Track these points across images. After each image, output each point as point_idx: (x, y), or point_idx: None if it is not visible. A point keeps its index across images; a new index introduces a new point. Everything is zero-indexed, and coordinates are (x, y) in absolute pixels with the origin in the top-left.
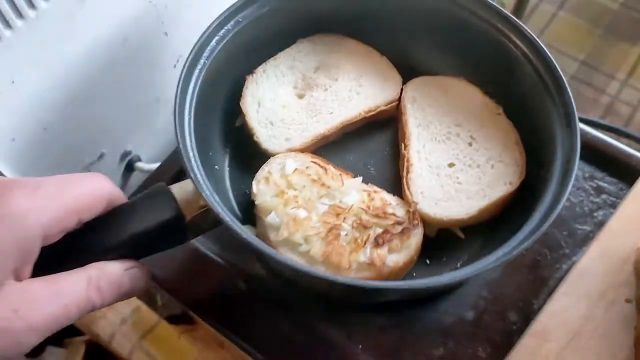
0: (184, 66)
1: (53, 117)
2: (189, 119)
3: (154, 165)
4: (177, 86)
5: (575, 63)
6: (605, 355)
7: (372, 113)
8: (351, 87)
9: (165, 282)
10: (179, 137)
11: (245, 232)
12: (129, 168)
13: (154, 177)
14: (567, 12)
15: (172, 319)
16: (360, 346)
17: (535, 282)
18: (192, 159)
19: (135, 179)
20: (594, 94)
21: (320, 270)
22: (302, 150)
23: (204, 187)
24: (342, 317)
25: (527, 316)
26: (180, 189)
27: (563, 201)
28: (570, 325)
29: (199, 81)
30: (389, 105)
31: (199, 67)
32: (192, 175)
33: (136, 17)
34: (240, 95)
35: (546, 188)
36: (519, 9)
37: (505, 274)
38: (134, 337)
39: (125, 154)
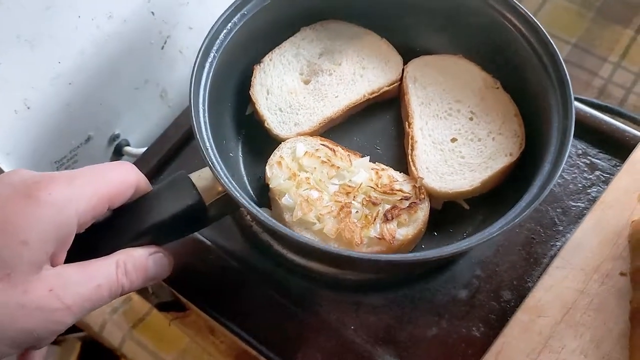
0: (195, 61)
1: (37, 97)
2: (204, 111)
3: (142, 150)
4: (191, 81)
5: (567, 46)
6: (600, 330)
7: (376, 94)
8: (354, 71)
9: None
10: (195, 129)
11: (263, 213)
12: (117, 152)
13: (141, 161)
14: None
15: (163, 307)
16: (352, 327)
17: (529, 260)
18: (210, 149)
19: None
20: (587, 76)
21: (334, 247)
22: (311, 133)
23: (221, 174)
24: (334, 299)
25: (521, 295)
26: (199, 177)
27: (559, 173)
28: (565, 299)
29: (210, 75)
30: (392, 86)
31: (209, 60)
32: (210, 163)
33: None
34: (250, 85)
35: (544, 158)
36: None
37: (499, 253)
38: (125, 326)
39: (113, 137)
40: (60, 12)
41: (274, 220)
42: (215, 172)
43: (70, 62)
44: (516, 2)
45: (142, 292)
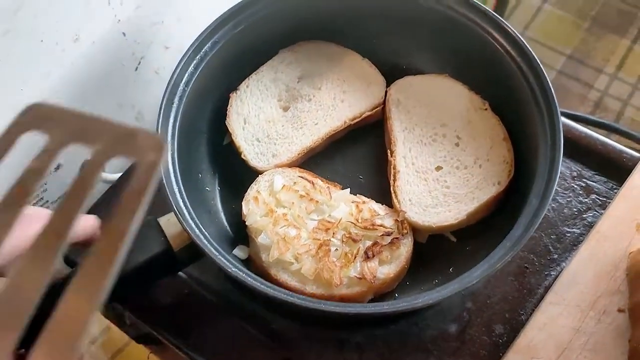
0: (162, 98)
1: None
2: (172, 150)
3: (117, 175)
4: (158, 118)
5: (561, 57)
6: None
7: (358, 120)
8: (335, 95)
9: (129, 301)
10: (162, 173)
11: (227, 264)
12: None
13: (117, 187)
14: (552, 5)
15: (141, 339)
16: None
17: (522, 291)
18: (177, 194)
19: (99, 188)
20: (582, 89)
21: (312, 288)
22: (290, 164)
23: (189, 221)
24: (316, 336)
25: (514, 328)
26: (168, 222)
27: (545, 210)
28: (559, 339)
29: (180, 109)
30: (374, 110)
31: (178, 95)
32: (176, 211)
33: (88, 14)
34: (226, 114)
35: (531, 190)
36: (501, 3)
37: (490, 284)
38: (104, 357)
39: (86, 164)
40: (20, 37)
41: (240, 272)
42: (181, 221)
43: (33, 88)
44: (501, 18)
45: (120, 324)
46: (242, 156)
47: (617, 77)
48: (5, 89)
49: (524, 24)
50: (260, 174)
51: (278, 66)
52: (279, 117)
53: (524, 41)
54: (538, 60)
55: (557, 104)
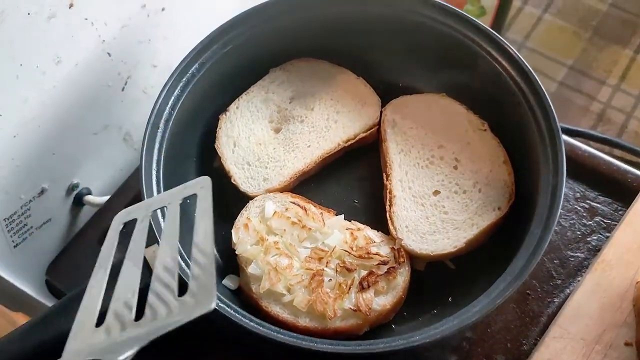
0: (147, 123)
1: None
2: (157, 177)
3: (105, 198)
4: (142, 145)
5: (563, 68)
6: None
7: (352, 142)
8: (328, 116)
9: None
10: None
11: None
12: (78, 202)
13: (105, 210)
14: (553, 14)
15: None
16: None
17: (525, 319)
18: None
19: (87, 212)
20: (585, 101)
21: (305, 321)
22: (282, 189)
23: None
24: None
25: (517, 359)
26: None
27: (547, 241)
28: None
29: (167, 133)
30: (369, 132)
31: (164, 119)
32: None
33: (71, 35)
34: (215, 136)
35: (533, 219)
36: (500, 14)
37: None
38: None
39: (72, 187)
40: None
41: (227, 308)
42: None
43: (12, 113)
44: (503, 40)
45: None
46: (232, 181)
47: (620, 88)
48: None
49: (525, 34)
50: (251, 199)
51: (269, 86)
52: (270, 140)
53: (522, 59)
54: (538, 81)
55: (559, 127)
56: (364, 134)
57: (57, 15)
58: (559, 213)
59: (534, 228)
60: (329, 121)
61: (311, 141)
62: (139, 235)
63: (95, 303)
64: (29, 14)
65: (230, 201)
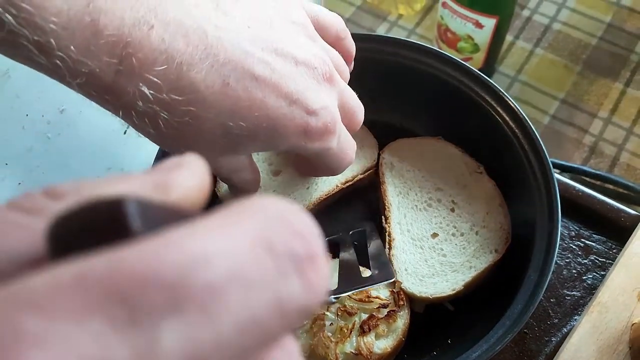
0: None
1: None
2: None
3: None
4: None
5: (555, 102)
6: None
7: (350, 183)
8: None
9: None
10: None
11: None
12: None
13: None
14: (544, 48)
15: None
16: None
17: (523, 358)
18: None
19: None
20: (577, 133)
21: None
22: None
23: None
24: None
25: None
26: None
27: (544, 287)
28: None
29: None
30: (367, 173)
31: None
32: None
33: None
34: (215, 180)
35: (530, 262)
36: (493, 50)
37: None
38: None
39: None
40: (2, 113)
41: None
42: None
43: (18, 162)
44: (494, 83)
45: None
46: None
47: (611, 121)
48: None
49: (517, 68)
50: None
51: None
52: (270, 182)
53: (515, 104)
54: (533, 127)
55: (553, 175)
56: (362, 175)
57: None
58: (555, 259)
59: (531, 272)
60: None
61: (310, 183)
62: None
63: None
64: None
65: None
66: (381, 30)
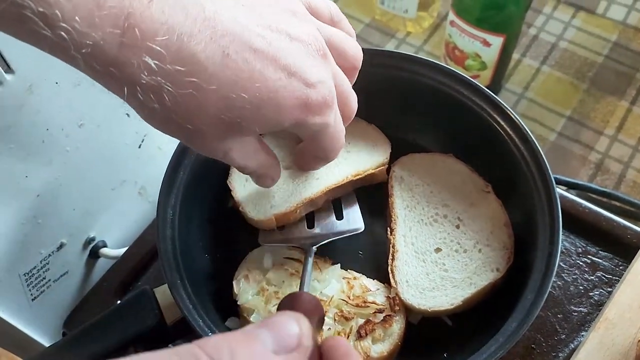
0: (166, 172)
1: (1, 214)
2: (173, 220)
3: (121, 251)
4: (160, 191)
5: (561, 119)
6: None
7: (360, 177)
8: (339, 154)
9: None
10: (161, 247)
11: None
12: (93, 254)
13: (121, 263)
14: (551, 66)
15: None
16: None
17: None
18: (173, 265)
19: (103, 264)
20: (583, 150)
21: None
22: (289, 215)
23: (183, 296)
24: None
25: None
26: (163, 294)
27: (540, 307)
28: None
29: (183, 180)
30: (378, 169)
31: (182, 167)
32: (171, 285)
33: (94, 100)
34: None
35: (528, 283)
36: (500, 67)
37: None
38: None
39: (89, 240)
40: (24, 127)
41: None
42: (176, 296)
43: (37, 174)
44: (503, 103)
45: None
46: (240, 208)
47: (617, 138)
48: (11, 176)
49: (524, 85)
50: (250, 252)
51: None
52: (281, 176)
53: (522, 123)
54: (537, 143)
55: (557, 197)
56: (374, 170)
57: (82, 83)
58: (552, 280)
59: (528, 292)
60: (339, 157)
61: (320, 175)
62: None
63: None
64: (57, 83)
65: (239, 244)
66: (390, 47)
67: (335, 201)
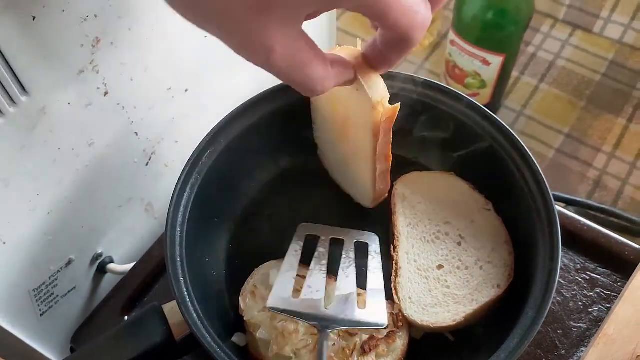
0: (175, 187)
1: (12, 231)
2: (181, 238)
3: (128, 267)
4: (170, 207)
5: (560, 136)
6: None
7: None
8: None
9: None
10: (170, 266)
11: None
12: (101, 270)
13: (128, 279)
14: (549, 84)
15: None
16: None
17: None
18: (182, 282)
19: (110, 280)
20: (581, 167)
21: None
22: None
23: (191, 312)
24: None
25: None
26: (171, 310)
27: (541, 323)
28: None
29: (192, 198)
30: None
31: (190, 184)
32: (180, 301)
33: (104, 119)
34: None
35: (528, 300)
36: (499, 85)
37: None
38: None
39: (96, 257)
40: (36, 149)
41: None
42: (183, 312)
43: (48, 192)
44: (503, 123)
45: None
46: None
47: (614, 155)
48: (23, 195)
49: (522, 102)
50: (256, 268)
51: None
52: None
53: (522, 142)
54: (539, 167)
55: (556, 216)
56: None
57: (93, 103)
58: (552, 297)
59: (529, 309)
60: None
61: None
62: (322, 251)
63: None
64: (69, 103)
65: (246, 260)
66: None
67: (360, 282)
